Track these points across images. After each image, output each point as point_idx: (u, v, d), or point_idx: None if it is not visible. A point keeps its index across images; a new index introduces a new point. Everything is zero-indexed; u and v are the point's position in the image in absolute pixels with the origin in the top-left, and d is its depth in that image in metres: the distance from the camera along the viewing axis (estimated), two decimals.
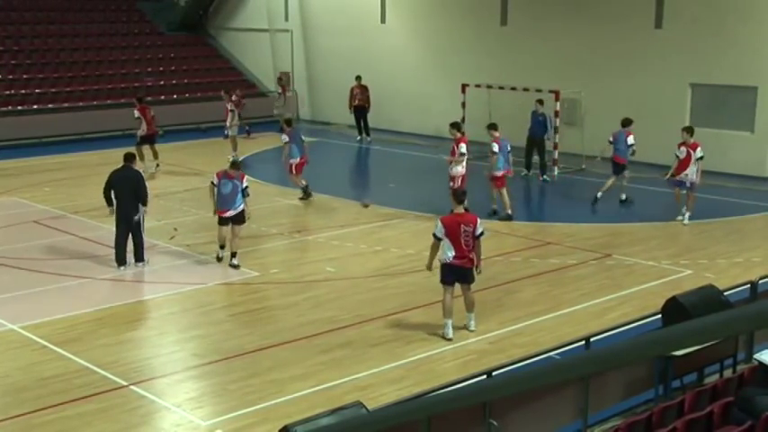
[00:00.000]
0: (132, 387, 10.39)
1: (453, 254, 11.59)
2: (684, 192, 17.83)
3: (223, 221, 15.11)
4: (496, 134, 18.20)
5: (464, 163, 17.69)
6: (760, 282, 10.41)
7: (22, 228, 17.73)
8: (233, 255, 14.95)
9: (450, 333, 11.78)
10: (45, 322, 12.43)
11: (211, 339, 11.98)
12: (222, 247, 15.22)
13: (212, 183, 15.29)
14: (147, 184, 15.16)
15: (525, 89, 23.92)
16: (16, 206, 19.65)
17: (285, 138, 20.22)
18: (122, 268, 14.83)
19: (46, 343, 11.67)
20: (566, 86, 23.69)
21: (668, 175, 18.11)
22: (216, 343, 11.83)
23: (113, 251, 14.94)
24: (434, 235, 11.68)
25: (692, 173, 17.52)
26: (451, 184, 17.42)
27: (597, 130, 24.32)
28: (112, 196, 14.78)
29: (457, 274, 11.74)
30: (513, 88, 24.13)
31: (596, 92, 24.38)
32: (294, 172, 20.15)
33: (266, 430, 9.12)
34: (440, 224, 11.66)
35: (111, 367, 10.89)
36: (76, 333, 12.07)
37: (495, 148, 17.97)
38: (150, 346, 11.88)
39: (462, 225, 11.58)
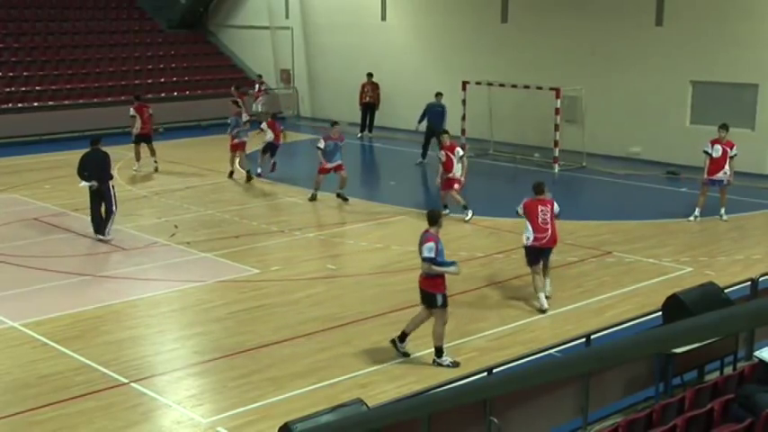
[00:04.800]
0: (133, 384, 10.39)
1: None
2: (718, 189, 17.48)
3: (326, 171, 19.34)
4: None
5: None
6: (760, 279, 10.41)
7: (22, 225, 17.73)
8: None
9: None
10: (45, 320, 12.43)
11: (212, 337, 11.98)
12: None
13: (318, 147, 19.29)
14: (111, 161, 16.74)
15: (526, 86, 23.93)
16: (16, 203, 19.66)
17: (245, 117, 22.40)
18: (100, 236, 16.26)
19: (46, 340, 11.68)
20: (566, 84, 23.68)
21: (705, 176, 17.44)
22: (216, 340, 11.83)
23: (113, 248, 15.07)
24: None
25: (727, 171, 17.29)
26: (456, 186, 17.67)
27: (597, 128, 24.37)
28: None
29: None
30: (514, 86, 24.13)
31: (597, 89, 24.37)
32: (233, 150, 22.09)
33: (267, 428, 9.12)
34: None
35: (112, 365, 10.89)
36: (77, 330, 12.08)
37: (322, 144, 19.49)
38: (150, 343, 11.88)
39: (539, 206, 12.88)
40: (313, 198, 19.68)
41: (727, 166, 17.31)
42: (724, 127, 17.56)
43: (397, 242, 16.40)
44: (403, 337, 11.05)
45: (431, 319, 10.91)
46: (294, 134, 28.31)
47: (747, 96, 22.29)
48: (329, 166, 19.46)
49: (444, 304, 10.81)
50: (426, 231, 10.93)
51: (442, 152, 17.76)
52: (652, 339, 2.68)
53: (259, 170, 22.09)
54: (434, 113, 23.68)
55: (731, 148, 17.31)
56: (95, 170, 16.35)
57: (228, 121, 22.54)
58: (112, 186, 16.53)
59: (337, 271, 14.77)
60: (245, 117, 22.53)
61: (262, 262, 15.28)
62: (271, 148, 22.30)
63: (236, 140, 22.06)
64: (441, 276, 10.79)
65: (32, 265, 15.05)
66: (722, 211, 17.65)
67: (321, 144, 19.53)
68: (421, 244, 10.80)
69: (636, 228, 17.49)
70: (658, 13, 23.57)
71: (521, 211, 13.09)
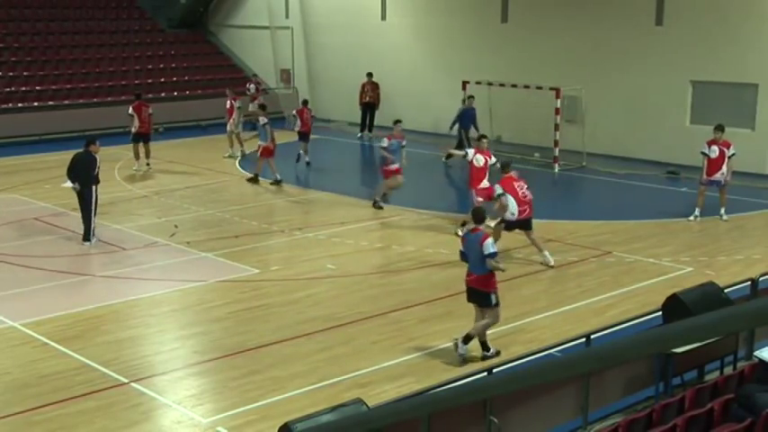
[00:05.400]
0: (133, 384, 10.39)
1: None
2: (717, 190, 17.54)
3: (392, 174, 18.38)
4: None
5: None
6: (760, 279, 10.42)
7: (22, 225, 17.73)
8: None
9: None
10: (46, 319, 12.43)
11: (212, 336, 11.98)
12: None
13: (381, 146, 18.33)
14: (98, 167, 16.33)
15: (526, 86, 23.94)
16: (16, 203, 19.66)
17: (264, 120, 21.35)
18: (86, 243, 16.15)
19: (46, 340, 11.68)
20: (566, 83, 23.69)
21: (704, 177, 17.52)
22: (216, 340, 11.83)
23: (113, 248, 15.01)
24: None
25: (726, 171, 17.33)
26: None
27: (598, 128, 24.37)
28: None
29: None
30: (514, 85, 24.13)
31: (597, 89, 24.37)
32: (262, 155, 21.19)
33: (267, 427, 9.12)
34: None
35: (112, 364, 10.89)
36: (77, 330, 12.07)
37: (385, 143, 18.69)
38: (150, 343, 11.88)
39: (514, 182, 14.46)
40: (379, 207, 18.82)
41: (724, 167, 17.34)
42: (719, 128, 17.64)
43: (397, 242, 16.40)
44: (485, 346, 11.06)
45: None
46: (294, 134, 28.30)
47: (747, 96, 22.29)
48: (395, 167, 18.46)
49: (497, 303, 10.97)
50: (476, 230, 11.07)
51: (480, 156, 16.69)
52: (652, 339, 2.69)
53: (277, 176, 21.26)
54: (469, 117, 23.68)
55: (728, 148, 17.34)
56: (79, 172, 16.26)
57: (259, 127, 21.64)
58: (95, 190, 16.24)
59: (337, 271, 14.76)
60: (262, 120, 21.61)
61: (262, 262, 15.28)
62: (301, 137, 23.70)
63: (263, 144, 21.26)
64: (493, 275, 10.95)
65: (32, 264, 15.05)
66: (722, 210, 17.66)
67: (385, 143, 18.54)
68: (479, 243, 10.82)
69: (636, 227, 17.49)
70: (658, 13, 23.58)
71: (500, 190, 14.51)
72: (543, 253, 14.80)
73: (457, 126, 24.26)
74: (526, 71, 25.05)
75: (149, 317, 12.79)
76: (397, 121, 19.55)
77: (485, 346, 11.03)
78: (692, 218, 17.66)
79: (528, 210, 14.57)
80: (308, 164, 23.78)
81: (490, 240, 10.91)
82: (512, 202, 14.39)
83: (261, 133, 21.58)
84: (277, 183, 21.25)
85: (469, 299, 11.17)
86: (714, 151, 17.38)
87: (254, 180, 21.50)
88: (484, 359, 10.87)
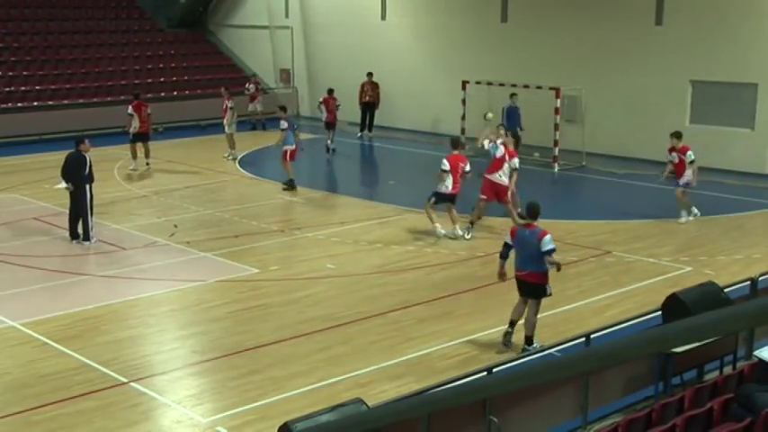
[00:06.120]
0: (132, 384, 10.39)
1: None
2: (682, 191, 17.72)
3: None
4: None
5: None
6: (760, 278, 10.41)
7: (21, 225, 17.73)
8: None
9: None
10: (45, 319, 12.42)
11: (211, 336, 11.98)
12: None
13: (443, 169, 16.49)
14: (90, 166, 16.27)
15: (525, 86, 23.93)
16: (16, 203, 19.66)
17: (284, 124, 20.58)
18: (74, 242, 16.12)
19: (46, 340, 11.67)
20: (566, 83, 23.69)
21: (667, 175, 17.97)
22: (216, 340, 11.83)
23: (113, 248, 15.04)
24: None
25: (689, 175, 17.49)
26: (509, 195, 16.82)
27: (597, 127, 24.37)
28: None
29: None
30: (514, 85, 24.13)
31: (597, 89, 24.37)
32: (288, 159, 20.43)
33: (266, 427, 9.12)
34: None
35: (111, 364, 10.88)
36: (76, 330, 12.07)
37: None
38: (150, 343, 11.87)
39: (460, 163, 16.24)
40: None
41: (688, 171, 17.43)
42: (675, 135, 17.86)
43: (397, 242, 16.39)
44: (528, 341, 11.20)
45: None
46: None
47: (747, 96, 22.30)
48: (290, 148, 18.93)
49: (551, 293, 11.24)
50: (531, 226, 11.15)
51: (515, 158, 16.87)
52: (651, 339, 2.68)
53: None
54: (515, 115, 23.65)
55: (684, 154, 17.44)
56: (71, 172, 16.25)
57: (284, 131, 20.61)
58: (89, 189, 16.21)
59: (336, 271, 14.76)
60: (283, 125, 20.66)
61: (261, 261, 15.27)
62: (327, 126, 24.78)
63: (289, 147, 20.49)
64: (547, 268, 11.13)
65: (32, 264, 15.05)
66: (682, 212, 17.64)
67: (486, 143, 17.05)
68: (537, 239, 10.90)
69: (635, 227, 17.49)
70: (658, 13, 23.58)
71: (446, 167, 16.09)
72: (455, 226, 16.37)
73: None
74: (526, 71, 25.04)
75: (149, 317, 12.78)
76: (501, 126, 18.49)
77: (530, 341, 11.19)
78: (691, 217, 17.70)
79: (458, 188, 16.28)
80: (333, 151, 24.78)
81: (549, 237, 10.97)
82: (450, 179, 16.11)
83: (286, 136, 20.57)
84: (291, 186, 20.69)
85: (523, 293, 11.28)
86: (675, 157, 17.66)
87: (290, 186, 20.53)
88: (522, 351, 11.01)
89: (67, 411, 9.69)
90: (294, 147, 20.53)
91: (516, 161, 16.88)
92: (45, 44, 31.79)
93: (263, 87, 31.51)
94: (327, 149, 24.99)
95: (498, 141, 16.86)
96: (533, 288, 11.15)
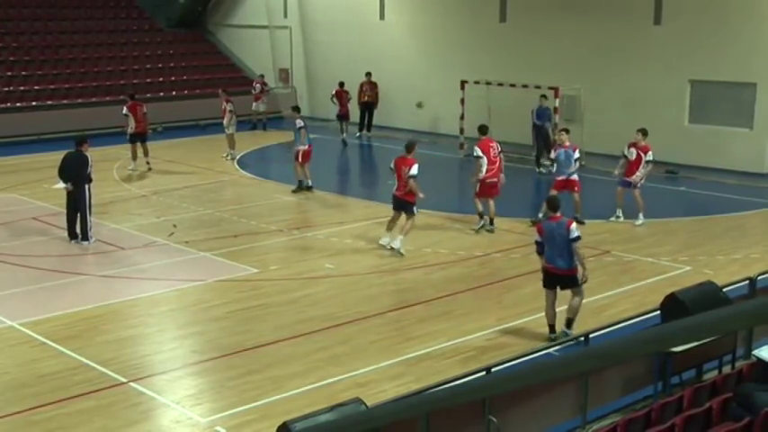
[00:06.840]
0: (131, 384, 10.39)
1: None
2: (628, 192, 17.47)
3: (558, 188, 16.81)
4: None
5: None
6: (759, 278, 10.41)
7: (20, 225, 17.73)
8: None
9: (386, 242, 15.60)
10: (44, 319, 12.42)
11: (210, 336, 11.98)
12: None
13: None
14: (91, 166, 16.34)
15: (524, 86, 23.93)
16: (15, 203, 19.65)
17: (300, 123, 20.09)
18: (73, 242, 16.13)
19: (45, 340, 11.67)
20: (565, 83, 23.69)
21: (617, 173, 17.66)
22: (215, 340, 11.83)
23: (112, 248, 15.08)
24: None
25: (640, 175, 17.24)
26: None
27: (596, 127, 24.37)
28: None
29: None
30: (513, 85, 24.13)
31: (595, 88, 24.37)
32: (300, 160, 20.11)
33: (265, 427, 9.12)
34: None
35: (111, 364, 10.89)
36: (75, 330, 12.07)
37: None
38: (149, 342, 11.88)
39: (402, 167, 15.45)
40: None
41: (641, 170, 17.20)
42: (642, 131, 17.55)
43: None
44: (569, 323, 11.59)
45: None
46: (292, 134, 28.34)
47: (746, 95, 22.30)
48: (561, 177, 17.05)
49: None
50: (556, 218, 11.48)
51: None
52: (650, 338, 2.69)
53: (309, 182, 20.32)
54: (544, 116, 23.64)
55: (645, 153, 17.24)
56: (72, 172, 16.24)
57: (296, 131, 20.28)
58: (88, 189, 16.24)
59: (336, 270, 14.76)
60: (298, 124, 20.14)
61: (260, 261, 15.27)
62: (339, 118, 26.36)
63: (302, 148, 20.07)
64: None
65: (31, 264, 15.05)
66: (640, 215, 17.44)
67: (553, 153, 17.51)
68: (565, 229, 11.24)
69: (634, 227, 17.48)
70: (657, 13, 23.59)
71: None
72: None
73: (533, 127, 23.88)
74: (525, 70, 25.04)
75: (148, 316, 12.79)
76: (565, 131, 17.73)
77: (570, 324, 11.54)
78: (613, 218, 17.60)
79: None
80: (345, 143, 26.49)
81: (575, 225, 11.42)
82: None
83: (297, 137, 20.21)
84: (308, 188, 20.22)
85: (557, 286, 11.52)
86: (632, 153, 17.35)
87: (306, 189, 20.24)
88: (562, 334, 11.39)
89: (67, 411, 9.69)
90: (307, 147, 20.11)
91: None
92: (44, 44, 31.78)
93: (267, 88, 31.47)
94: (345, 142, 26.95)
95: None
96: (566, 280, 11.46)
